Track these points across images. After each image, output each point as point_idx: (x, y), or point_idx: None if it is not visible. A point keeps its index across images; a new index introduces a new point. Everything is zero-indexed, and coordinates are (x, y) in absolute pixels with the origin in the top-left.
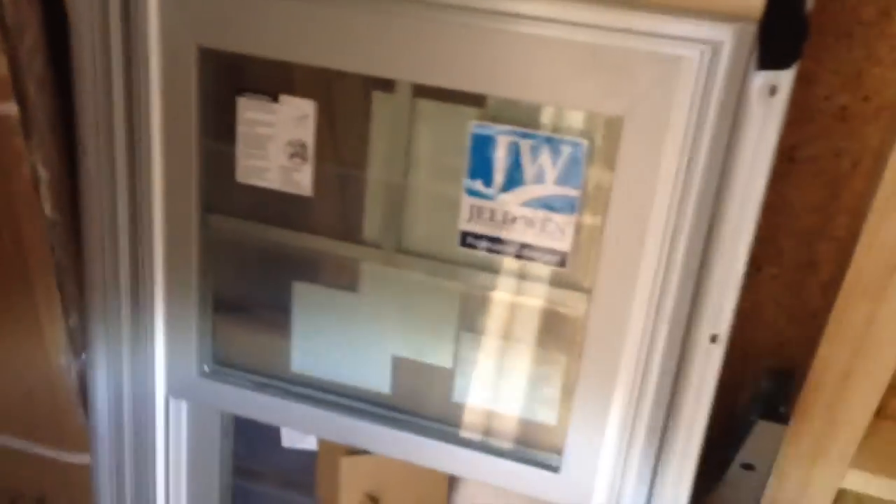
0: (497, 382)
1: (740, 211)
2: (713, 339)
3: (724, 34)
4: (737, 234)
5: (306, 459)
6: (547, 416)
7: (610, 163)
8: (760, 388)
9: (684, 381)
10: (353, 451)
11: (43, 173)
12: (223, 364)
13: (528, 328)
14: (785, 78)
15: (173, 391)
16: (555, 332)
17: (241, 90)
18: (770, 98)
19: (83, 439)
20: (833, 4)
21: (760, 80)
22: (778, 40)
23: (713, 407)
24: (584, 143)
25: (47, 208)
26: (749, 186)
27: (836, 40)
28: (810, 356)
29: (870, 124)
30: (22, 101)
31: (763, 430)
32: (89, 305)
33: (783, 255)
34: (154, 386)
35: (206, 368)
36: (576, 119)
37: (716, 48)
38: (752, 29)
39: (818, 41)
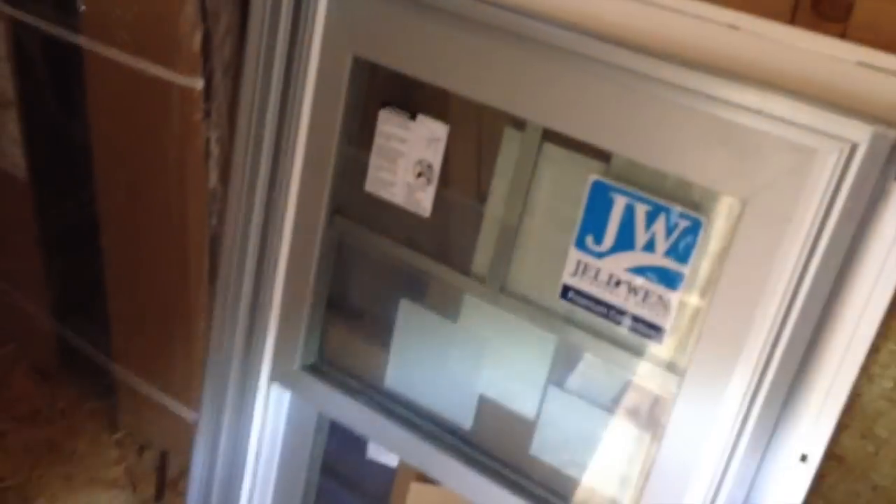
0: (576, 445)
1: (856, 325)
2: (803, 458)
3: (861, 135)
4: (847, 349)
5: (387, 474)
6: (619, 492)
7: (725, 246)
8: None
9: (764, 495)
10: (427, 479)
11: (215, 149)
12: (325, 362)
13: (616, 398)
14: None
15: (276, 377)
16: (642, 408)
17: (385, 103)
18: None
19: None
20: None
21: None
22: None
23: None
24: (702, 219)
25: (212, 179)
26: (870, 300)
27: None
28: None
29: None
30: (208, 79)
31: None
32: (218, 278)
33: None
34: (260, 368)
35: (309, 362)
36: (698, 194)
37: (853, 148)
38: (891, 134)
39: None
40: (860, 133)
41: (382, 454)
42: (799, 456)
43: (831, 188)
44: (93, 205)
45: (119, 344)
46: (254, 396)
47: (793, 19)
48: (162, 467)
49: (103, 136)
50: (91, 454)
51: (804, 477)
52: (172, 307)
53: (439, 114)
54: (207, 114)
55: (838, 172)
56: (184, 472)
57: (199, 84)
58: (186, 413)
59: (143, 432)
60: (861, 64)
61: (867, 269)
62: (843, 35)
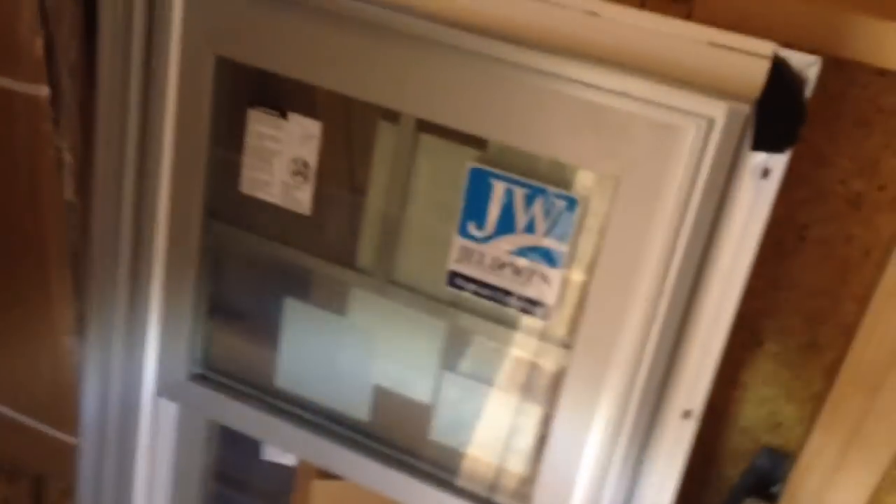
0: (473, 425)
1: (723, 289)
2: (686, 414)
3: (717, 111)
4: (717, 312)
5: (286, 474)
6: (519, 465)
7: (601, 222)
8: (755, 465)
9: (653, 453)
10: (329, 476)
11: (67, 158)
12: (212, 369)
13: (509, 376)
14: (779, 161)
15: (161, 390)
16: (534, 383)
17: (253, 103)
18: (762, 180)
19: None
20: (853, 90)
21: (754, 160)
22: (773, 124)
23: (703, 477)
24: (577, 198)
25: (68, 192)
26: (734, 265)
27: (854, 126)
28: (807, 439)
29: (884, 213)
30: (54, 85)
31: None
32: (89, 293)
33: (786, 333)
34: (142, 382)
35: (196, 371)
36: (572, 174)
37: (710, 123)
38: (745, 109)
39: (835, 125)
40: (716, 109)
41: (278, 454)
42: (682, 412)
43: (693, 161)
44: None
45: None
46: (137, 412)
47: (644, 2)
48: (37, 494)
49: None
50: None
51: (688, 432)
52: (34, 329)
53: (309, 110)
54: (56, 122)
55: (699, 146)
56: (63, 495)
57: (44, 91)
58: (58, 434)
59: (11, 460)
60: (712, 44)
61: (731, 232)
62: (689, 16)
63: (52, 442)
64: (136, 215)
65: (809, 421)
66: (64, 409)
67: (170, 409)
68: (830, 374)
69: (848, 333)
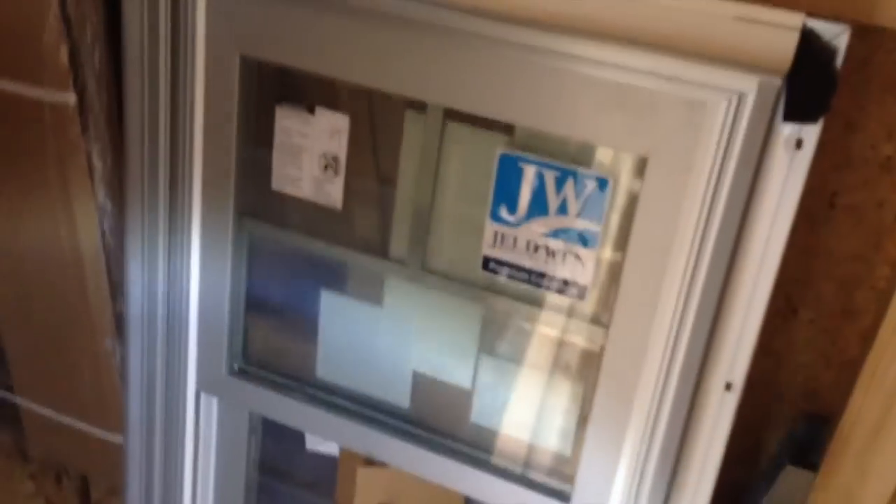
0: (514, 407)
1: (760, 260)
2: (728, 386)
3: (748, 85)
4: (755, 284)
5: (329, 463)
6: (561, 445)
7: (633, 201)
8: (794, 433)
9: (696, 426)
10: (372, 462)
11: (98, 163)
12: (252, 364)
13: (547, 357)
14: (811, 131)
15: (203, 386)
16: (573, 362)
17: (280, 100)
18: (796, 150)
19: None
20: (879, 56)
21: (787, 131)
22: (805, 95)
23: (742, 446)
24: (608, 178)
25: (100, 196)
26: (770, 236)
27: (883, 92)
28: (845, 404)
29: None
30: (80, 91)
31: (792, 475)
32: (127, 295)
33: (821, 300)
34: (186, 379)
35: (235, 367)
36: (602, 155)
37: (741, 97)
38: (776, 82)
39: (865, 90)
40: (746, 83)
41: (321, 444)
42: (724, 385)
43: (725, 136)
44: None
45: (20, 376)
46: (183, 409)
47: None
48: (84, 492)
49: None
50: (5, 491)
51: (730, 404)
52: (74, 330)
53: (336, 104)
54: (85, 128)
55: (730, 121)
56: (110, 493)
57: (71, 99)
58: (102, 434)
59: (57, 460)
60: (739, 18)
61: (767, 204)
62: None
63: (96, 442)
64: (170, 215)
65: (847, 387)
66: (106, 409)
67: (212, 404)
68: (867, 339)
69: (883, 298)
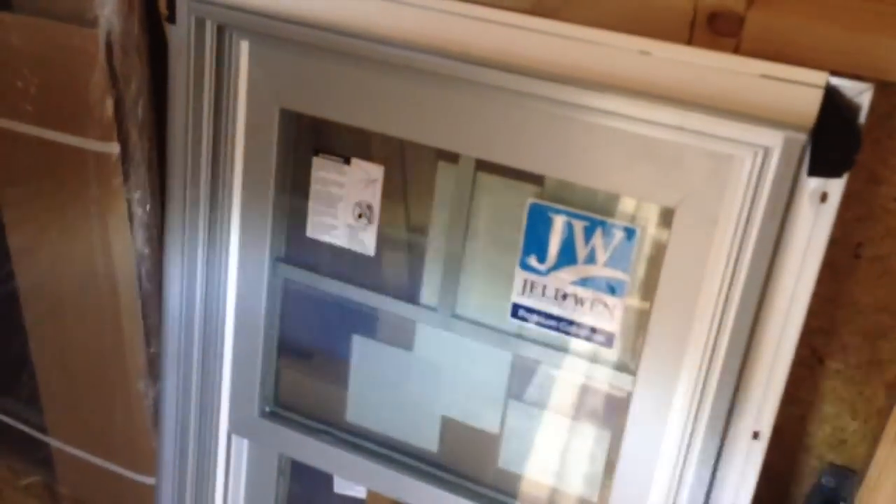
0: (541, 453)
1: (786, 311)
2: (755, 435)
3: (774, 140)
4: (781, 334)
5: None
6: (588, 491)
7: (661, 250)
8: (821, 484)
9: (724, 475)
10: None
11: (137, 210)
12: (284, 407)
13: (575, 403)
14: (836, 185)
15: (235, 428)
16: (600, 409)
17: (317, 150)
18: (821, 204)
19: (155, 463)
20: None
21: (812, 185)
22: (829, 150)
23: (769, 497)
24: (636, 228)
25: (138, 241)
26: (796, 287)
27: None
28: (872, 455)
29: None
30: (124, 142)
31: None
32: (164, 337)
33: (847, 350)
34: (218, 421)
35: (267, 409)
36: (630, 206)
37: (767, 152)
38: (801, 138)
39: (888, 144)
40: (772, 139)
41: (349, 487)
42: (751, 434)
43: (751, 189)
44: (11, 281)
45: (53, 417)
46: (215, 451)
47: (690, 37)
48: None
49: (16, 211)
50: None
51: (758, 453)
52: (108, 373)
53: (371, 154)
54: (127, 176)
55: (756, 175)
56: None
57: (115, 149)
58: (133, 475)
59: (88, 501)
60: (764, 76)
61: (792, 255)
62: (737, 49)
63: (128, 483)
64: (208, 262)
65: (874, 437)
66: (137, 451)
67: (243, 446)
68: (894, 389)
69: None
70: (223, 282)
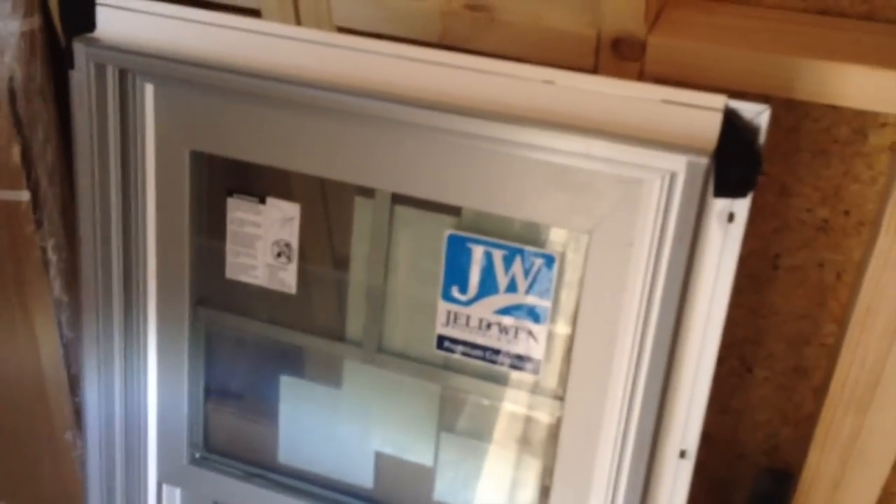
0: (476, 483)
1: (703, 329)
2: (682, 454)
3: (678, 165)
4: (701, 353)
5: None
6: None
7: (581, 276)
8: (757, 490)
9: (654, 494)
10: None
11: (52, 257)
12: (214, 452)
13: (507, 431)
14: (742, 204)
15: (165, 477)
16: (532, 436)
17: (231, 191)
18: (728, 224)
19: None
20: (807, 124)
21: (719, 206)
22: (731, 171)
23: None
24: (555, 255)
25: (55, 289)
26: (711, 306)
27: (812, 157)
28: (805, 459)
29: (851, 237)
30: (34, 189)
31: None
32: (84, 390)
33: (774, 358)
34: (146, 471)
35: (196, 456)
36: (548, 232)
37: (673, 176)
38: (703, 162)
39: (796, 157)
40: (676, 163)
41: None
42: (678, 453)
43: (661, 212)
44: None
45: None
46: (145, 501)
47: (596, 63)
48: None
49: None
50: None
51: (686, 472)
52: (33, 424)
53: (287, 192)
54: (39, 223)
55: (664, 198)
56: None
57: (25, 196)
58: None
59: None
60: (665, 101)
61: (705, 274)
62: (641, 73)
63: None
64: (125, 308)
65: (806, 442)
66: (68, 502)
67: (174, 495)
68: (820, 394)
69: (831, 354)
70: (142, 328)
